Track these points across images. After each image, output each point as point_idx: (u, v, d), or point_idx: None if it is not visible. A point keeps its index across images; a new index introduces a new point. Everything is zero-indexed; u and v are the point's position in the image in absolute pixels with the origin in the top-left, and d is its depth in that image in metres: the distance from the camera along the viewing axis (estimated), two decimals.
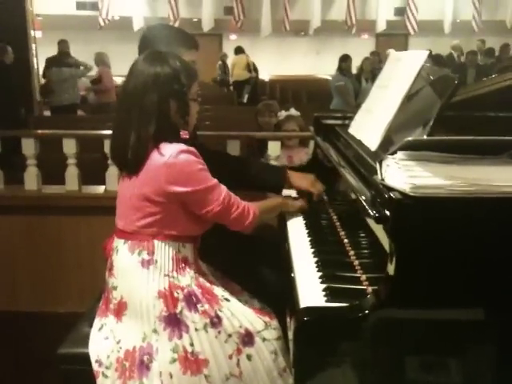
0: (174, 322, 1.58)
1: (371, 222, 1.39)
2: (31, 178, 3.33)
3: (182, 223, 1.64)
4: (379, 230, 1.33)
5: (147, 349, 1.58)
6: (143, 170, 1.60)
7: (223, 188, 1.66)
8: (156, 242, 1.62)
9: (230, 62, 11.83)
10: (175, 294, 1.60)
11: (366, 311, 1.23)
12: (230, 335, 1.61)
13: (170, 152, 1.57)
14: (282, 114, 3.80)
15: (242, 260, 2.05)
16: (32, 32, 7.25)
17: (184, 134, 1.63)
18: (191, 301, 1.61)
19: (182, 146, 1.59)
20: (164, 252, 1.63)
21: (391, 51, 2.03)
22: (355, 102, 6.71)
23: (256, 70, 11.03)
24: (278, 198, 2.08)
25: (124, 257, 1.65)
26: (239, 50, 11.09)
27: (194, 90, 1.67)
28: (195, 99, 1.69)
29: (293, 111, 3.75)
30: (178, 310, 1.59)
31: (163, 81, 1.60)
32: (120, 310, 1.64)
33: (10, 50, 6.54)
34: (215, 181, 1.64)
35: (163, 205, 1.60)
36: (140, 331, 1.60)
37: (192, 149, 1.61)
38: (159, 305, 1.58)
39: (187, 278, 1.64)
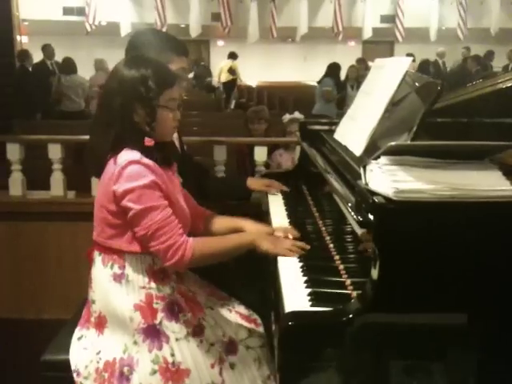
0: (153, 333, 1.56)
1: (356, 227, 1.39)
2: (16, 184, 3.29)
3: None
4: (364, 235, 1.33)
5: (127, 360, 1.56)
6: (101, 177, 1.56)
7: (163, 214, 1.50)
8: (126, 255, 1.58)
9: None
10: (154, 305, 1.57)
11: (351, 315, 1.23)
12: (212, 344, 1.60)
13: (120, 161, 1.50)
14: (287, 117, 3.92)
15: (228, 267, 2.04)
16: (18, 37, 7.22)
17: (148, 142, 1.54)
18: (173, 310, 1.59)
19: (135, 157, 1.50)
20: (136, 266, 1.58)
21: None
22: (338, 109, 6.79)
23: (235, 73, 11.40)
24: (247, 235, 1.73)
25: (98, 270, 1.62)
26: (231, 56, 11.39)
27: (166, 97, 1.56)
28: (166, 106, 1.57)
29: (297, 114, 3.84)
30: (157, 321, 1.57)
31: (128, 84, 1.53)
32: (101, 324, 1.62)
33: (30, 55, 6.57)
34: (156, 203, 1.50)
35: (120, 215, 1.53)
36: (121, 343, 1.58)
37: (147, 161, 1.51)
38: (137, 317, 1.56)
39: (168, 288, 1.61)
